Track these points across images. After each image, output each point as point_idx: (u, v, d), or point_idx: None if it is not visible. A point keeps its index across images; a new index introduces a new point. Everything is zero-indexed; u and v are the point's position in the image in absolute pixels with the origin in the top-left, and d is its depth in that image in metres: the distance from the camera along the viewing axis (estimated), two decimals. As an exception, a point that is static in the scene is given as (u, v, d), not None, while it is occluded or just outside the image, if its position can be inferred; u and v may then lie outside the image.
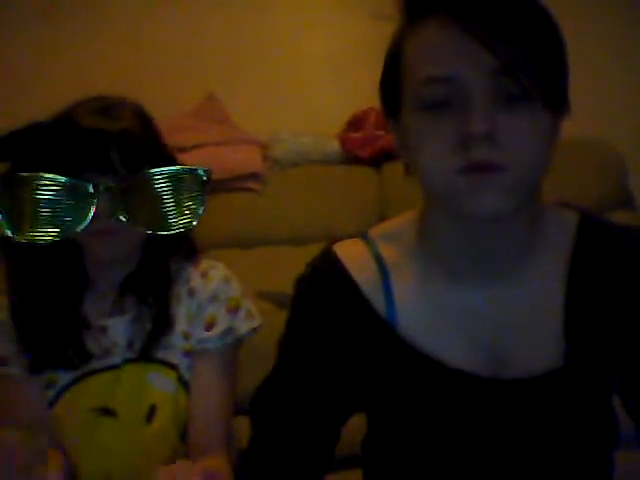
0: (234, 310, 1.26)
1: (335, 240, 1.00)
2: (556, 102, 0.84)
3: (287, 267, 2.12)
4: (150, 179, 1.14)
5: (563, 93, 0.85)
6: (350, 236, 1.01)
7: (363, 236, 0.99)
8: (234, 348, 1.28)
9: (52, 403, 1.23)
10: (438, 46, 0.83)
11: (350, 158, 2.64)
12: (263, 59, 2.85)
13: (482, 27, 0.79)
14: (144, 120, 1.22)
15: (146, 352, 1.21)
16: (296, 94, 2.81)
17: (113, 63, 2.79)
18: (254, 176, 2.55)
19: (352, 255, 0.97)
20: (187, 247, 1.29)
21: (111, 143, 1.14)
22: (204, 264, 1.29)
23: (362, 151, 2.62)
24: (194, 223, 1.17)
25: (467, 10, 0.80)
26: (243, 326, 1.26)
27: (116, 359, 1.22)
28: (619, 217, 2.14)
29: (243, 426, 1.39)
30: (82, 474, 1.21)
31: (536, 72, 0.80)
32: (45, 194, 1.11)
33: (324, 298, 0.96)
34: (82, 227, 1.11)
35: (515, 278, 0.92)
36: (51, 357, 1.20)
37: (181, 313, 1.25)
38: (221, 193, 2.46)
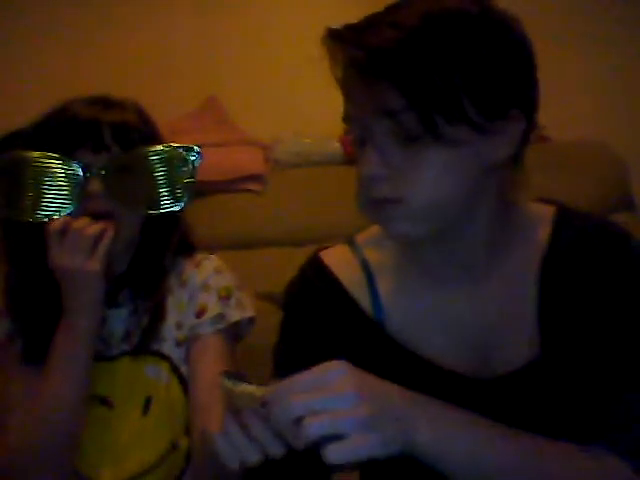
0: (225, 297, 1.27)
1: (322, 247, 1.05)
2: (451, 140, 0.85)
3: (288, 268, 2.13)
4: (143, 157, 1.15)
5: (460, 127, 0.86)
6: (336, 242, 1.06)
7: (349, 242, 1.04)
8: (227, 336, 1.27)
9: None
10: (349, 88, 0.92)
11: (351, 159, 2.63)
12: (264, 60, 2.85)
13: (373, 74, 0.84)
14: (140, 112, 1.22)
15: (142, 345, 1.21)
16: (297, 95, 2.81)
17: (114, 64, 2.79)
18: (255, 178, 2.54)
19: (338, 259, 1.02)
20: (181, 243, 1.30)
21: (104, 122, 1.15)
22: (198, 256, 1.30)
23: (363, 153, 2.62)
24: (186, 203, 1.18)
25: (362, 60, 0.86)
26: (234, 314, 1.27)
27: (112, 350, 1.23)
28: (621, 219, 2.13)
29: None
30: (79, 464, 1.21)
31: (420, 116, 0.83)
32: (37, 173, 1.11)
33: (313, 300, 0.99)
34: (75, 206, 1.10)
35: (494, 275, 0.95)
36: (44, 347, 1.20)
37: (173, 304, 1.25)
38: (222, 194, 2.46)
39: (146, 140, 1.19)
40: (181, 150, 1.20)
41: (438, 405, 0.83)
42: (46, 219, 1.12)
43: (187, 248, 1.31)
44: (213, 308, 1.26)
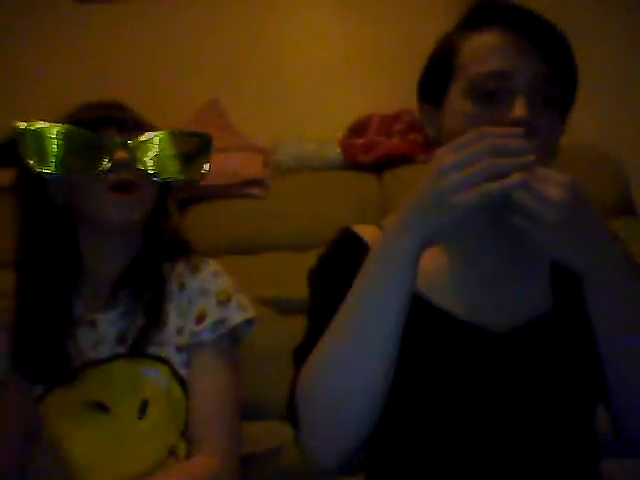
0: (225, 302, 1.27)
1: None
2: (567, 113, 1.07)
3: (289, 273, 2.13)
4: (162, 136, 1.25)
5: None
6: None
7: (377, 224, 1.14)
8: (229, 341, 1.28)
9: (42, 397, 1.23)
10: (502, 46, 0.99)
11: (352, 164, 2.64)
12: (265, 65, 2.86)
13: (536, 42, 1.00)
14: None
15: (138, 348, 1.22)
16: (298, 100, 2.81)
17: (115, 68, 2.80)
18: (256, 182, 2.55)
19: (369, 232, 1.11)
20: (178, 244, 1.32)
21: (126, 107, 1.29)
22: (195, 260, 1.31)
23: (364, 157, 2.62)
24: (201, 176, 1.27)
25: (525, 27, 1.00)
26: (236, 316, 1.27)
27: (105, 352, 1.23)
28: (621, 224, 2.14)
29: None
30: (76, 469, 1.21)
31: (564, 86, 1.03)
32: (68, 140, 1.20)
33: (347, 260, 1.03)
34: (102, 169, 1.19)
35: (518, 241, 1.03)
36: (36, 357, 1.22)
37: (172, 308, 1.26)
38: (223, 199, 2.47)
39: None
40: (194, 134, 1.31)
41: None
42: (80, 176, 1.22)
43: (183, 249, 1.32)
44: (213, 313, 1.26)
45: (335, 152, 2.67)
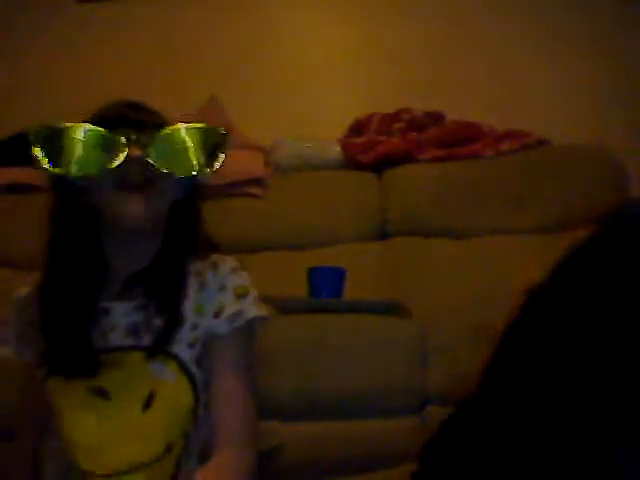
0: (242, 295, 1.28)
1: None
2: None
3: (288, 272, 2.13)
4: (175, 132, 1.26)
5: None
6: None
7: None
8: (245, 334, 1.28)
9: (45, 378, 1.25)
10: None
11: (352, 163, 2.64)
12: (265, 64, 2.86)
13: None
14: None
15: (157, 347, 1.23)
16: (298, 99, 2.81)
17: (115, 66, 2.80)
18: (255, 181, 2.55)
19: None
20: (205, 244, 1.33)
21: (139, 110, 1.28)
22: (214, 257, 1.31)
23: (364, 156, 2.62)
24: (215, 169, 1.28)
25: None
26: (252, 309, 1.27)
27: (115, 342, 1.24)
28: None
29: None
30: (73, 452, 1.22)
31: None
32: (85, 140, 1.21)
33: None
34: (116, 163, 1.20)
35: None
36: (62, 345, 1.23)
37: (190, 306, 1.26)
38: (222, 198, 2.46)
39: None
40: (211, 129, 1.32)
41: None
42: (94, 174, 1.21)
43: (209, 248, 1.33)
44: (230, 306, 1.26)
45: (335, 151, 2.67)
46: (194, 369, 1.24)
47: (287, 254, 2.38)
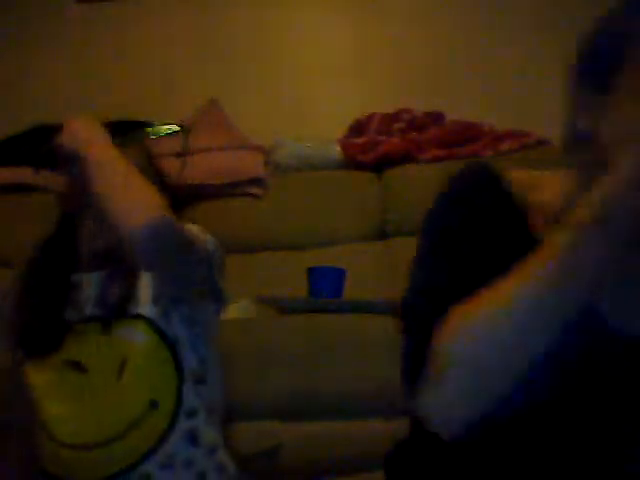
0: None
1: None
2: None
3: (288, 272, 2.12)
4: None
5: None
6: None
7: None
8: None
9: (23, 359, 1.27)
10: None
11: (352, 163, 2.64)
12: (265, 64, 2.86)
13: None
14: None
15: (121, 310, 1.25)
16: (298, 99, 2.81)
17: (115, 69, 2.80)
18: (256, 181, 2.55)
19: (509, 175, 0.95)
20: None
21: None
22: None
23: (364, 156, 2.62)
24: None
25: None
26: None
27: (86, 313, 1.26)
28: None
29: (239, 433, 1.39)
30: (52, 426, 1.23)
31: None
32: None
33: (481, 204, 0.94)
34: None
35: None
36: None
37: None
38: (222, 198, 2.47)
39: None
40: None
41: None
42: None
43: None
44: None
45: (335, 151, 2.67)
46: (165, 325, 1.25)
47: (287, 254, 2.39)
